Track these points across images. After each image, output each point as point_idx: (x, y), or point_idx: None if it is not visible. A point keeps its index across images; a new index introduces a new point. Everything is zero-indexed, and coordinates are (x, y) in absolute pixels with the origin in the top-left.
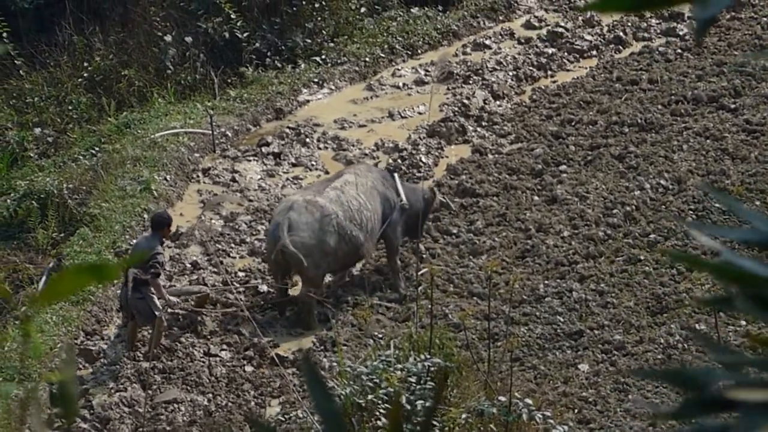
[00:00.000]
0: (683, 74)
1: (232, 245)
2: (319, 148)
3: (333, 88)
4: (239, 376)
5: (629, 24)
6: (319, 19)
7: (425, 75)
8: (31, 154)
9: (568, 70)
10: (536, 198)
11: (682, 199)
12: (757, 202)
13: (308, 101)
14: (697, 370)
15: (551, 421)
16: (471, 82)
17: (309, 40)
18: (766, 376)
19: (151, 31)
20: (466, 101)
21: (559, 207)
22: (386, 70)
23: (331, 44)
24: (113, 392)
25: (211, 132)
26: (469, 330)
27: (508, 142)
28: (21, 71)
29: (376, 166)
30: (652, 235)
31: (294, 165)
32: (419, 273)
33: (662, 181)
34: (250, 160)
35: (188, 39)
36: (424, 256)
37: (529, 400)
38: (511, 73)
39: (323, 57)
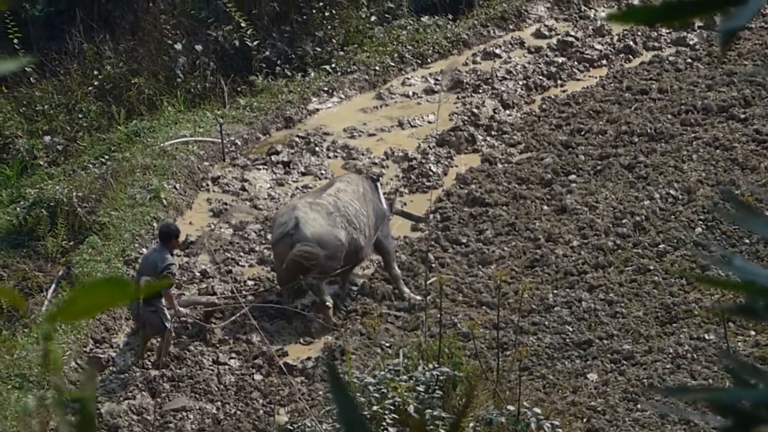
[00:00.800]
0: (693, 84)
1: (242, 254)
2: (329, 157)
3: (343, 96)
4: (248, 384)
5: (639, 33)
6: (329, 27)
7: (435, 84)
8: (41, 162)
9: (578, 80)
10: (545, 207)
11: (691, 209)
12: (767, 213)
13: (318, 110)
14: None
15: (560, 430)
16: (481, 91)
17: (319, 49)
18: None
19: (161, 39)
20: (475, 110)
21: (568, 217)
22: (396, 78)
23: (341, 53)
24: (122, 400)
25: (220, 140)
26: (478, 339)
27: (518, 152)
28: (31, 79)
29: (367, 174)
30: (661, 245)
31: (303, 174)
32: (428, 282)
33: (672, 191)
34: (259, 169)
35: (198, 47)
36: (433, 265)
37: (537, 410)
38: (520, 83)
39: (333, 66)
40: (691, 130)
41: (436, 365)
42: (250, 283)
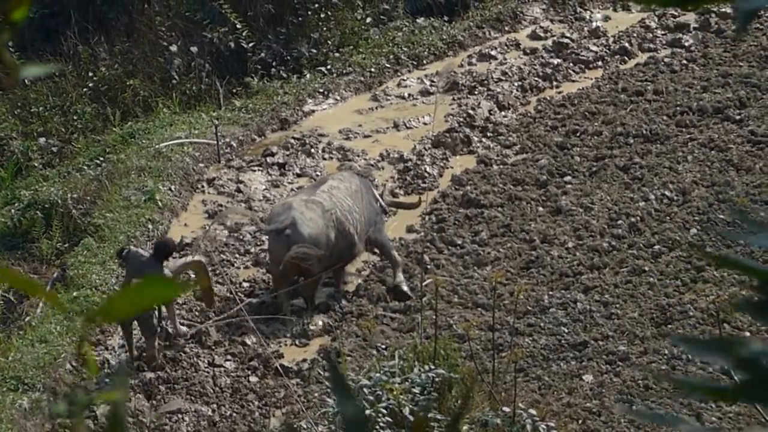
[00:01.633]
0: (688, 85)
1: (237, 255)
2: (324, 159)
3: (338, 98)
4: (243, 386)
5: (635, 35)
6: (325, 29)
7: (430, 85)
8: (36, 164)
9: (573, 81)
10: (541, 209)
11: (686, 210)
12: (762, 214)
13: (313, 111)
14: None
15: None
16: (476, 92)
17: (314, 51)
18: None
19: (157, 41)
20: (471, 112)
21: (563, 218)
22: (391, 80)
23: (337, 54)
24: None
25: (216, 142)
26: (474, 341)
27: (513, 153)
28: (26, 81)
29: (359, 172)
30: (656, 246)
31: (299, 175)
32: (424, 284)
33: (667, 192)
34: (255, 171)
35: (194, 49)
36: (428, 266)
37: (533, 411)
38: (516, 84)
39: (329, 67)
40: (687, 132)
41: (432, 367)
42: (245, 284)
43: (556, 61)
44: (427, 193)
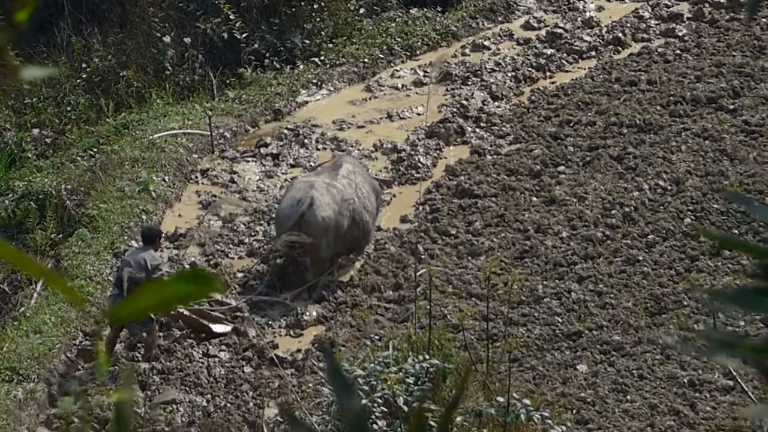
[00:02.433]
0: (682, 75)
1: (231, 246)
2: (318, 149)
3: (332, 89)
4: (238, 377)
5: (628, 25)
6: (318, 20)
7: (424, 76)
8: (30, 155)
9: (566, 71)
10: (535, 199)
11: (680, 199)
12: (755, 203)
13: (307, 102)
14: None
15: (549, 421)
16: (470, 83)
17: (308, 41)
18: None
19: (150, 32)
20: (464, 102)
21: (557, 208)
22: (385, 71)
23: (330, 45)
24: (111, 393)
25: (209, 133)
26: (468, 331)
27: (507, 143)
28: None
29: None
30: (650, 236)
31: (292, 166)
32: (418, 274)
33: (661, 182)
34: (248, 161)
35: (187, 40)
36: (422, 257)
37: (527, 401)
38: (509, 74)
39: (322, 58)
40: (680, 121)
41: (426, 357)
42: (239, 275)
43: (549, 51)
44: (421, 184)
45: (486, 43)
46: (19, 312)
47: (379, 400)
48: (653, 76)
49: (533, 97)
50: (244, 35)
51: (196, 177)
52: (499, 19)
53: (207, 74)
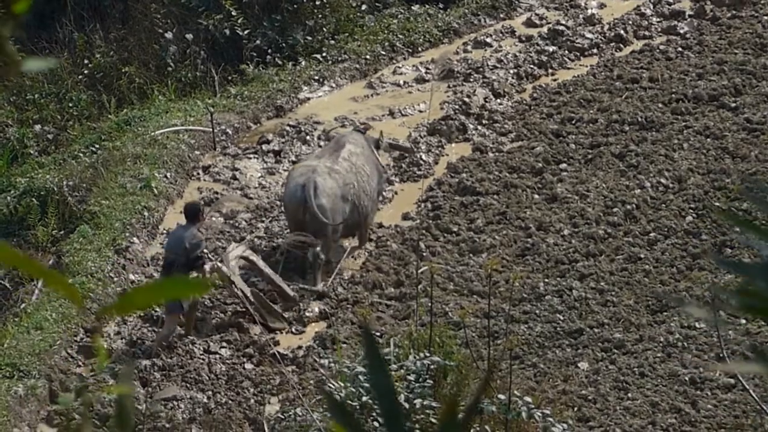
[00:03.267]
0: (684, 73)
1: (233, 243)
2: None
3: (334, 85)
4: (239, 373)
5: (630, 22)
6: (320, 16)
7: (426, 73)
8: (31, 151)
9: (568, 69)
10: (536, 196)
11: (682, 197)
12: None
13: (309, 99)
14: None
15: (550, 419)
16: (472, 80)
17: (310, 38)
18: None
19: (152, 28)
20: (466, 99)
21: (559, 205)
22: (387, 67)
23: (332, 42)
24: (112, 389)
25: (211, 129)
26: (469, 328)
27: (509, 141)
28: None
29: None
30: (652, 234)
31: (294, 162)
32: (419, 271)
33: (662, 180)
34: (250, 158)
35: (189, 36)
36: (424, 254)
37: (528, 399)
38: (511, 71)
39: (324, 54)
40: (682, 119)
41: (427, 354)
42: (240, 271)
43: (551, 48)
44: (423, 181)
45: (488, 40)
46: (20, 308)
47: None
48: (655, 73)
49: (535, 95)
50: (246, 31)
51: (198, 174)
52: (501, 16)
53: (209, 70)
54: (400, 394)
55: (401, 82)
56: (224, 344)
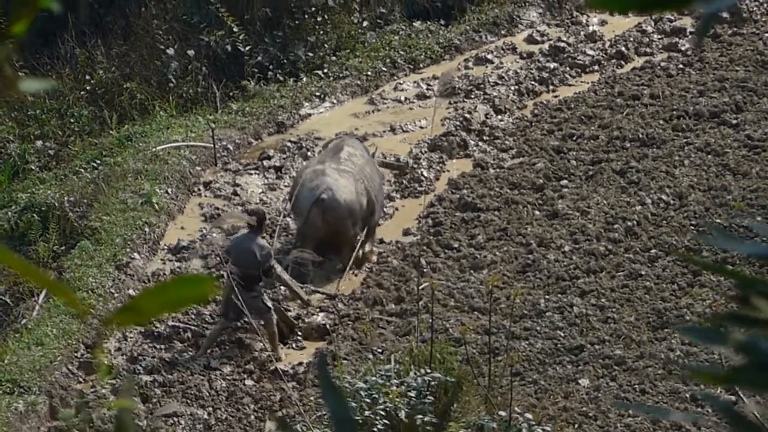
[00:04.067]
0: (685, 89)
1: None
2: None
3: (335, 101)
4: (239, 389)
5: (631, 39)
6: (321, 32)
7: (427, 89)
8: (33, 167)
9: (569, 85)
10: (537, 213)
11: (683, 214)
12: (758, 218)
13: (310, 115)
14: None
15: None
16: (473, 96)
17: (311, 54)
18: None
19: (154, 44)
20: (467, 115)
21: (560, 222)
22: (388, 84)
23: (333, 58)
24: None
25: (212, 145)
26: (470, 344)
27: (510, 157)
28: None
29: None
30: (653, 251)
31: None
32: (420, 287)
33: (663, 197)
34: (251, 174)
35: (190, 52)
36: (425, 270)
37: (529, 415)
38: (512, 88)
39: (325, 71)
40: (683, 136)
41: (428, 371)
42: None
43: (552, 65)
44: (424, 197)
45: (489, 56)
46: (21, 324)
47: (381, 413)
48: (656, 90)
49: (536, 111)
50: (247, 48)
51: (199, 189)
52: (502, 32)
53: (210, 86)
54: (401, 410)
55: (402, 99)
56: (225, 360)
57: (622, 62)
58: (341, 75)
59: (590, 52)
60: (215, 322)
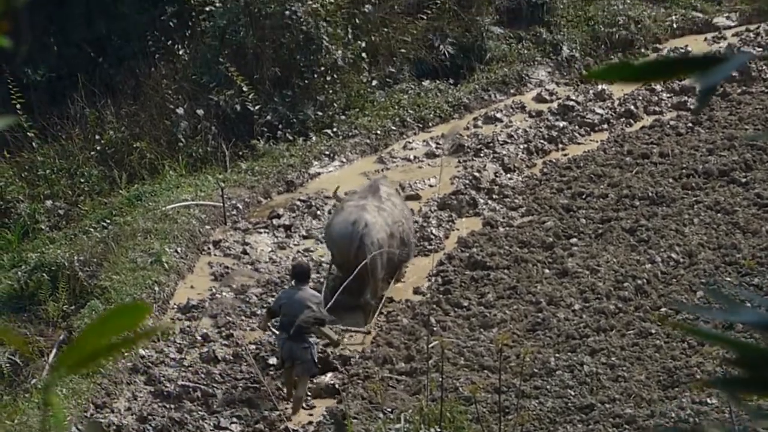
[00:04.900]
0: (694, 148)
1: (243, 318)
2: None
3: (344, 160)
4: None
5: (640, 98)
6: (331, 92)
7: (436, 148)
8: (42, 227)
9: (579, 144)
10: (547, 271)
11: (693, 272)
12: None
13: (319, 174)
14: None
15: None
16: (482, 154)
17: (320, 113)
18: None
19: (163, 104)
20: (477, 174)
21: (569, 280)
22: (397, 142)
23: (343, 117)
24: None
25: (222, 204)
26: (480, 403)
27: (519, 215)
28: (33, 144)
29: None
30: (663, 309)
31: (305, 237)
32: (430, 346)
33: (673, 255)
34: (261, 233)
35: (200, 111)
36: (434, 328)
37: None
38: (522, 146)
39: (334, 129)
40: (692, 194)
41: (438, 429)
42: (251, 347)
43: (561, 123)
44: (433, 255)
45: (498, 115)
46: (31, 384)
47: None
48: (665, 148)
49: (545, 170)
50: (257, 107)
51: (209, 248)
52: (511, 91)
53: (220, 146)
54: None
55: (412, 157)
56: (234, 420)
57: (631, 121)
58: (350, 134)
59: (599, 111)
60: (224, 381)
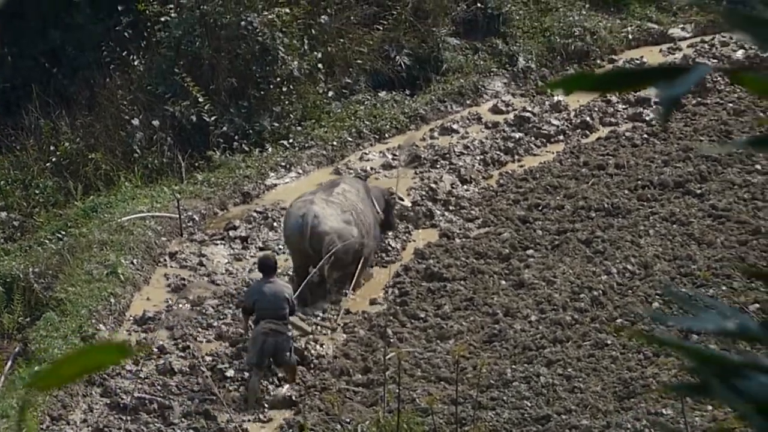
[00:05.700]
0: (649, 159)
1: (199, 329)
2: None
3: (300, 171)
4: None
5: (596, 109)
6: (287, 103)
7: (393, 159)
8: None
9: (535, 155)
10: (503, 282)
11: (648, 283)
12: (723, 287)
13: (276, 185)
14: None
15: None
16: (438, 166)
17: (276, 124)
18: None
19: (118, 115)
20: (433, 185)
21: (526, 291)
22: (353, 153)
23: (299, 128)
24: None
25: (178, 216)
26: (437, 414)
27: (476, 227)
28: None
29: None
30: (619, 320)
31: (261, 249)
32: (387, 357)
33: (629, 266)
34: (217, 244)
35: (155, 122)
36: (391, 340)
37: None
38: (478, 158)
39: (291, 141)
40: (648, 206)
41: None
42: (208, 358)
43: (517, 135)
44: (390, 267)
45: (454, 126)
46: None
47: None
48: (621, 160)
49: (502, 181)
50: (212, 118)
51: (165, 260)
52: (468, 102)
53: (176, 157)
54: None
55: (368, 168)
56: None
57: (587, 132)
58: (307, 145)
59: (555, 122)
60: (180, 393)
